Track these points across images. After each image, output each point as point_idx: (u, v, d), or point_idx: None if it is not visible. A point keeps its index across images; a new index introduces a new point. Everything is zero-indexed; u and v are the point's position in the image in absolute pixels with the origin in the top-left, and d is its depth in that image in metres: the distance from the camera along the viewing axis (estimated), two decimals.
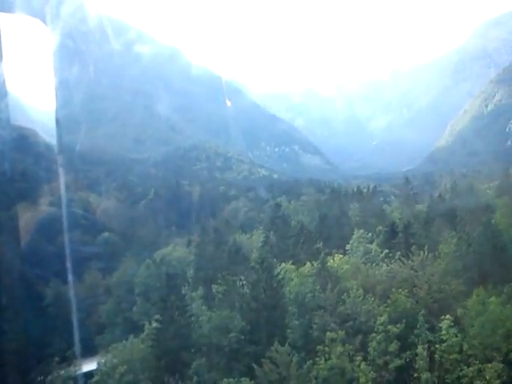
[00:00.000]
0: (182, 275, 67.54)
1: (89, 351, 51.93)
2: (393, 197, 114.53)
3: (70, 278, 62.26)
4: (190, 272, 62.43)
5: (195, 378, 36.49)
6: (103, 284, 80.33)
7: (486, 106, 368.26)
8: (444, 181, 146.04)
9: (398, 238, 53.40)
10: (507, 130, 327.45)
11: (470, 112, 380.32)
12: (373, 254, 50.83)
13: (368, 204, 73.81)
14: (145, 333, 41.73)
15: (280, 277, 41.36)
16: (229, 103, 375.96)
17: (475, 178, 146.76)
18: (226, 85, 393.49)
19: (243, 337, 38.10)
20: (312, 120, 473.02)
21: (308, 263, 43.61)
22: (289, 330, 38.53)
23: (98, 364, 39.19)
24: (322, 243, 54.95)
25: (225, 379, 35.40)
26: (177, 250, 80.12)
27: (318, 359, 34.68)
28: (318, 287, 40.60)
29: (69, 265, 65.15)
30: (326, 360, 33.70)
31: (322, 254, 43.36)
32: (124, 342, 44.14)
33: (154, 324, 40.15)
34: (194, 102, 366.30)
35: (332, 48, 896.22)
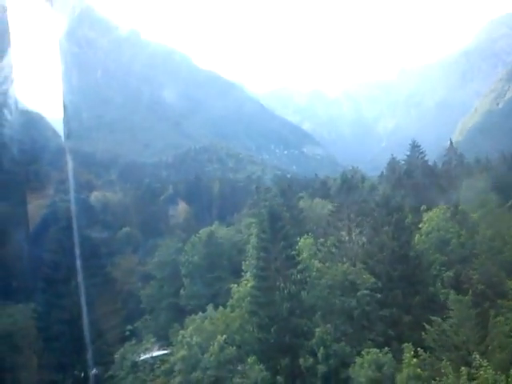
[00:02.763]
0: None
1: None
2: None
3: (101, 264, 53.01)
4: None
5: (321, 350, 26.67)
6: (139, 270, 72.50)
7: (497, 104, 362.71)
8: None
9: None
10: None
11: (480, 110, 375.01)
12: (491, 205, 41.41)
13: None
14: (235, 297, 32.18)
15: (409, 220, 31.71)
16: (236, 106, 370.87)
17: None
18: (233, 88, 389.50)
19: (376, 296, 28.28)
20: (319, 122, 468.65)
21: (441, 207, 33.92)
22: (437, 285, 28.70)
23: (179, 335, 29.81)
24: None
25: (367, 349, 25.63)
26: (221, 229, 70.64)
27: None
28: (462, 232, 30.80)
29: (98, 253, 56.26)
30: None
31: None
32: (200, 313, 34.89)
33: (252, 283, 30.46)
34: (203, 107, 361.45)
35: (338, 49, 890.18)
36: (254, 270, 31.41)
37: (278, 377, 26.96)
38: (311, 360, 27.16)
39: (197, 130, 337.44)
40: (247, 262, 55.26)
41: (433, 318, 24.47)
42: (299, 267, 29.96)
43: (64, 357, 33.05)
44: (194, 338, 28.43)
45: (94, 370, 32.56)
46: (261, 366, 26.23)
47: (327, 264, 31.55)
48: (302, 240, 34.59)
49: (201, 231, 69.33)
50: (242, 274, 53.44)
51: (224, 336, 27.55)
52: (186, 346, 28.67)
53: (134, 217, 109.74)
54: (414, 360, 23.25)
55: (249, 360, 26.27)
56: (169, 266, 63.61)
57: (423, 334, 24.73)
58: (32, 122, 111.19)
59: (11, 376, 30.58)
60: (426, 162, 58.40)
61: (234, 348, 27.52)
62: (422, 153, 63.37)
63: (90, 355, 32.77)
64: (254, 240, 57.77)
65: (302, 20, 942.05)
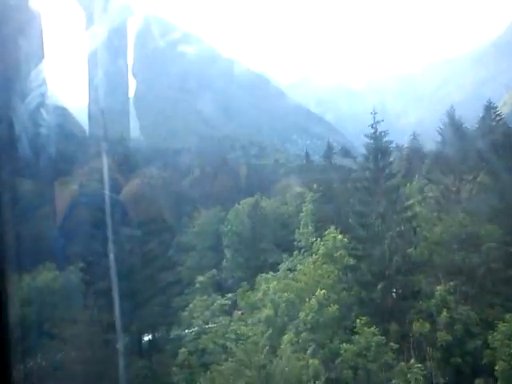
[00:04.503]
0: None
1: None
2: None
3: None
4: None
5: (444, 314, 20.99)
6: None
7: None
8: None
9: None
10: None
11: (509, 103, 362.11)
12: None
13: None
14: (320, 252, 26.79)
15: None
16: (259, 96, 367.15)
17: None
18: (257, 77, 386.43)
19: (509, 250, 22.36)
20: (342, 115, 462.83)
21: None
22: None
23: (261, 292, 24.63)
24: None
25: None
26: (264, 200, 65.59)
27: None
28: None
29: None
30: None
31: None
32: (271, 273, 29.75)
33: (340, 235, 24.93)
34: (226, 96, 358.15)
35: (362, 41, 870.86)
36: (352, 217, 25.83)
37: (391, 343, 21.54)
38: (428, 326, 21.61)
39: (219, 118, 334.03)
40: (301, 231, 50.29)
41: None
42: (407, 214, 24.32)
43: (118, 315, 28.19)
44: (284, 295, 23.07)
45: (148, 335, 27.93)
46: (373, 329, 20.84)
47: (435, 214, 25.90)
48: (408, 185, 28.98)
49: (242, 201, 64.38)
50: (295, 243, 48.57)
51: (323, 291, 22.17)
52: (270, 305, 23.39)
53: (161, 199, 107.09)
54: None
55: (358, 322, 20.88)
56: (210, 236, 58.83)
57: None
58: (63, 117, 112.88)
59: (60, 330, 26.22)
60: (506, 123, 52.41)
61: (336, 307, 22.10)
62: (498, 115, 57.31)
63: (146, 314, 28.07)
64: (308, 207, 52.69)
65: (327, 10, 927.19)
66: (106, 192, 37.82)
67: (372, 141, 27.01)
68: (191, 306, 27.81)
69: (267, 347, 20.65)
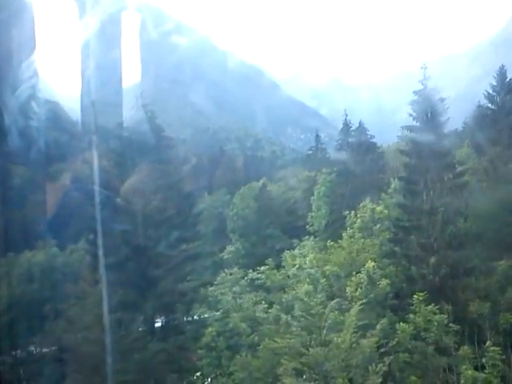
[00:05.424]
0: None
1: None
2: None
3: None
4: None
5: (509, 292, 18.37)
6: None
7: None
8: None
9: None
10: None
11: None
12: None
13: None
14: (355, 225, 24.16)
15: None
16: (254, 88, 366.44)
17: None
18: (252, 70, 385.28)
19: None
20: (336, 110, 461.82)
21: None
22: None
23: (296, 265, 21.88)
24: None
25: None
26: (270, 185, 63.14)
27: None
28: None
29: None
30: None
31: None
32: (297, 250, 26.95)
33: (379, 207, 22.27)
34: (220, 88, 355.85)
35: (359, 37, 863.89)
36: (398, 183, 23.18)
37: (450, 324, 18.98)
38: (488, 306, 19.04)
39: (213, 110, 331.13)
40: (313, 214, 48.00)
41: None
42: (459, 181, 21.67)
43: (130, 293, 25.36)
44: (327, 268, 20.31)
45: (160, 319, 25.26)
46: (432, 307, 18.24)
47: (484, 184, 23.34)
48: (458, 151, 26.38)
49: (248, 185, 61.95)
50: (307, 227, 46.27)
51: (373, 264, 19.49)
52: (308, 280, 20.75)
53: (159, 189, 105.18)
54: None
55: (415, 298, 18.27)
56: (215, 221, 56.05)
57: None
58: (54, 110, 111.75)
59: (65, 307, 23.62)
60: None
61: (387, 281, 19.43)
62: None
63: (160, 292, 25.35)
64: (321, 189, 50.14)
65: (323, 5, 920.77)
66: (98, 181, 35.34)
67: (420, 98, 24.40)
68: (219, 279, 25.33)
69: (330, 321, 18.05)
